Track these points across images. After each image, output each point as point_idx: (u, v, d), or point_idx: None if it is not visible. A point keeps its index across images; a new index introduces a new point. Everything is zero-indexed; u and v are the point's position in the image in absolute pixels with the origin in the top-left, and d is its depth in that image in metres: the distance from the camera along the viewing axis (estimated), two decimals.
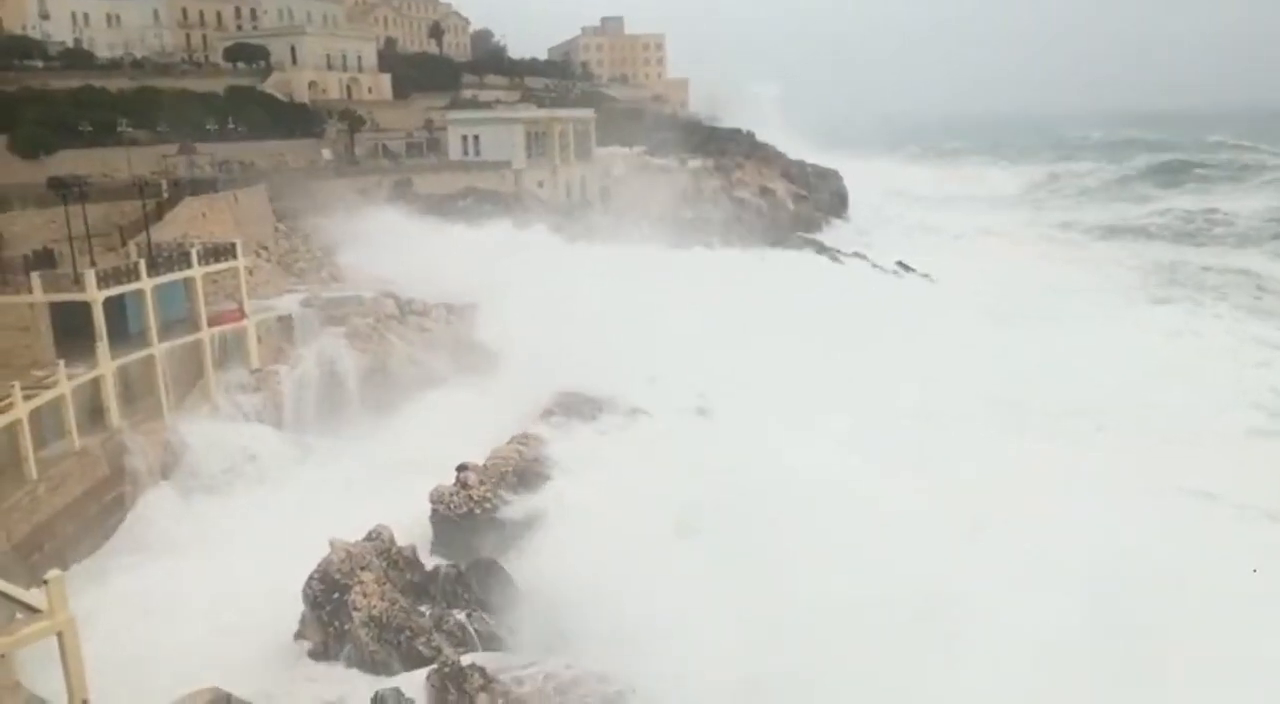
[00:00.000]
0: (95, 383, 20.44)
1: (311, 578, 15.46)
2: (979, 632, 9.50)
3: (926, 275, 25.87)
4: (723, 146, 45.55)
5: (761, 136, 48.73)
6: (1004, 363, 17.24)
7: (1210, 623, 9.21)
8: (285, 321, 25.98)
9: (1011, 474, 12.08)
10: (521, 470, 19.26)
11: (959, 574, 9.37)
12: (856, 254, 34.52)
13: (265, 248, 31.25)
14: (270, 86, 51.85)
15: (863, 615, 10.45)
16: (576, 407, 22.53)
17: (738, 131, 45.00)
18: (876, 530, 11.62)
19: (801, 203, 42.99)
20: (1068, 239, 28.01)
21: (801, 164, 43.81)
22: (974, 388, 16.89)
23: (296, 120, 47.98)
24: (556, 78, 69.49)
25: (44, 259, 23.68)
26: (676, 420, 19.88)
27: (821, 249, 37.84)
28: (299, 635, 15.34)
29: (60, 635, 10.13)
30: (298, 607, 14.95)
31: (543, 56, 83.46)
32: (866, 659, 8.76)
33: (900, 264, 32.32)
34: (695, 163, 49.12)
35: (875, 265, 31.88)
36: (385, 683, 13.41)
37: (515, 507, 17.59)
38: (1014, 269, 19.69)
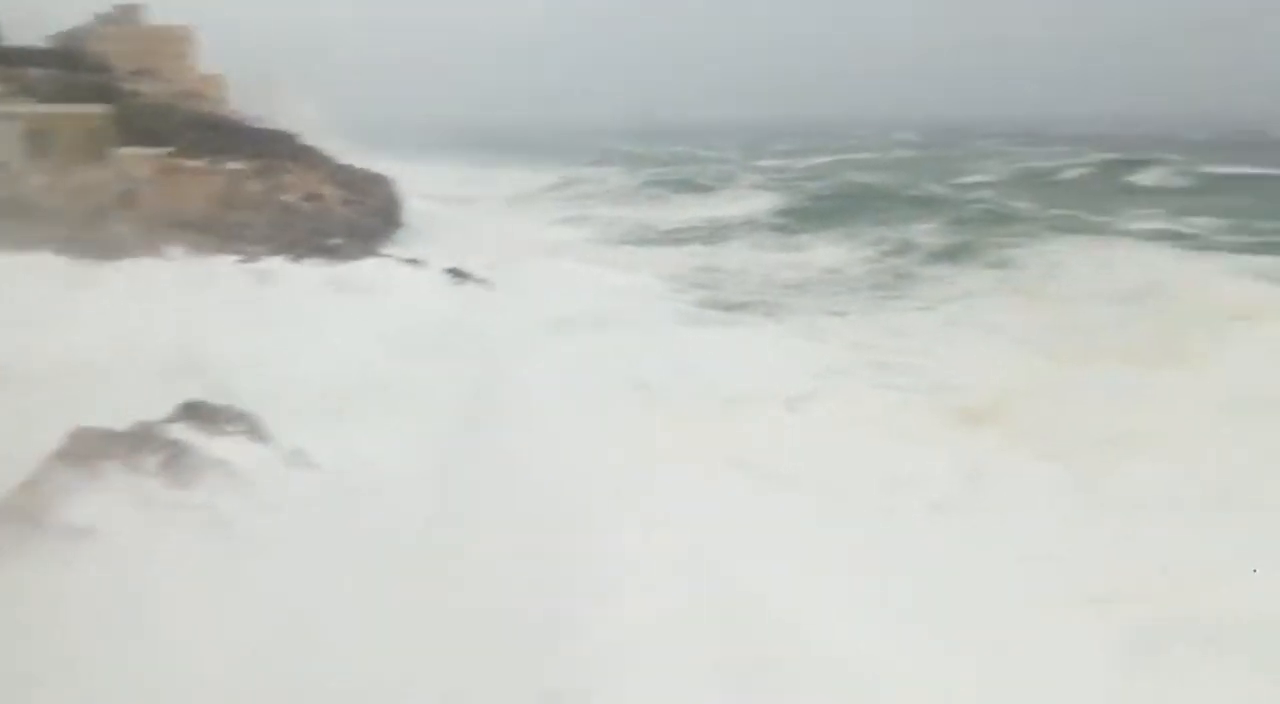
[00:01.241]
0: None
1: None
2: None
3: (485, 281, 26.55)
4: (265, 148, 43.69)
5: (310, 139, 47.58)
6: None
7: None
8: None
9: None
10: None
11: None
12: (413, 261, 34.48)
13: None
14: None
15: None
16: None
17: (281, 133, 43.42)
18: None
19: (352, 208, 42.58)
20: (603, 243, 30.17)
21: (351, 168, 43.32)
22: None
23: None
24: (63, 68, 61.03)
25: None
26: None
27: (373, 255, 37.53)
28: None
29: None
30: None
31: (45, 44, 73.07)
32: None
33: (455, 271, 32.67)
34: (234, 165, 45.90)
35: (432, 270, 32.15)
36: None
37: None
38: (573, 274, 20.98)
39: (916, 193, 29.35)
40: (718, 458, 7.87)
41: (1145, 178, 35.42)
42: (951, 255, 18.21)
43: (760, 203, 30.02)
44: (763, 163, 54.87)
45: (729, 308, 15.66)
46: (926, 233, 21.45)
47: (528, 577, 5.77)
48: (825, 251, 21.10)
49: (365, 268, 19.45)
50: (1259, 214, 24.18)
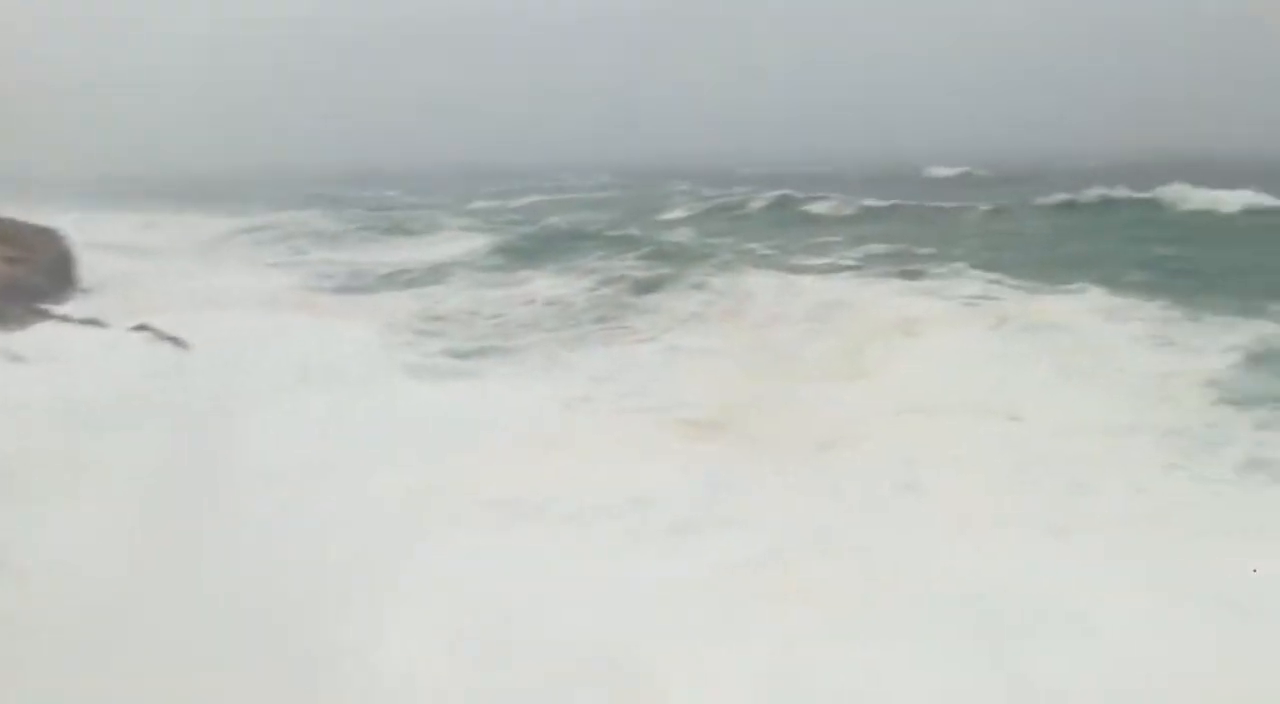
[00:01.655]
0: None
1: None
2: None
3: (179, 340, 23.28)
4: None
5: None
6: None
7: None
8: None
9: None
10: None
11: None
12: (92, 321, 30.15)
13: None
14: None
15: None
16: None
17: None
18: None
19: (18, 266, 37.46)
20: (314, 290, 28.49)
21: (13, 221, 38.00)
22: None
23: None
24: None
25: None
26: None
27: (44, 318, 33.39)
28: None
29: None
30: None
31: None
32: None
33: (143, 329, 29.35)
34: None
35: (115, 331, 28.17)
36: None
37: None
38: (285, 327, 19.01)
39: (620, 232, 30.72)
40: (468, 504, 7.84)
41: (819, 208, 39.26)
42: (659, 286, 19.20)
43: (476, 243, 30.08)
44: (474, 205, 55.04)
45: (462, 354, 15.47)
46: (635, 267, 22.50)
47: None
48: (546, 284, 21.58)
49: (35, 333, 17.16)
50: (917, 240, 27.47)
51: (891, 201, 39.54)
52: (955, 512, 7.52)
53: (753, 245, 28.04)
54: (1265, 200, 30.18)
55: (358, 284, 24.88)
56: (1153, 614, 5.80)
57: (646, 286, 19.35)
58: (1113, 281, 16.76)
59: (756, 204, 43.27)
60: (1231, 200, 29.85)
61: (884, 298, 17.25)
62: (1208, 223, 27.49)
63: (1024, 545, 6.93)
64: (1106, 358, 12.33)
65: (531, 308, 19.39)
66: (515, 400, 11.62)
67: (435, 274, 24.95)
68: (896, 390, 11.17)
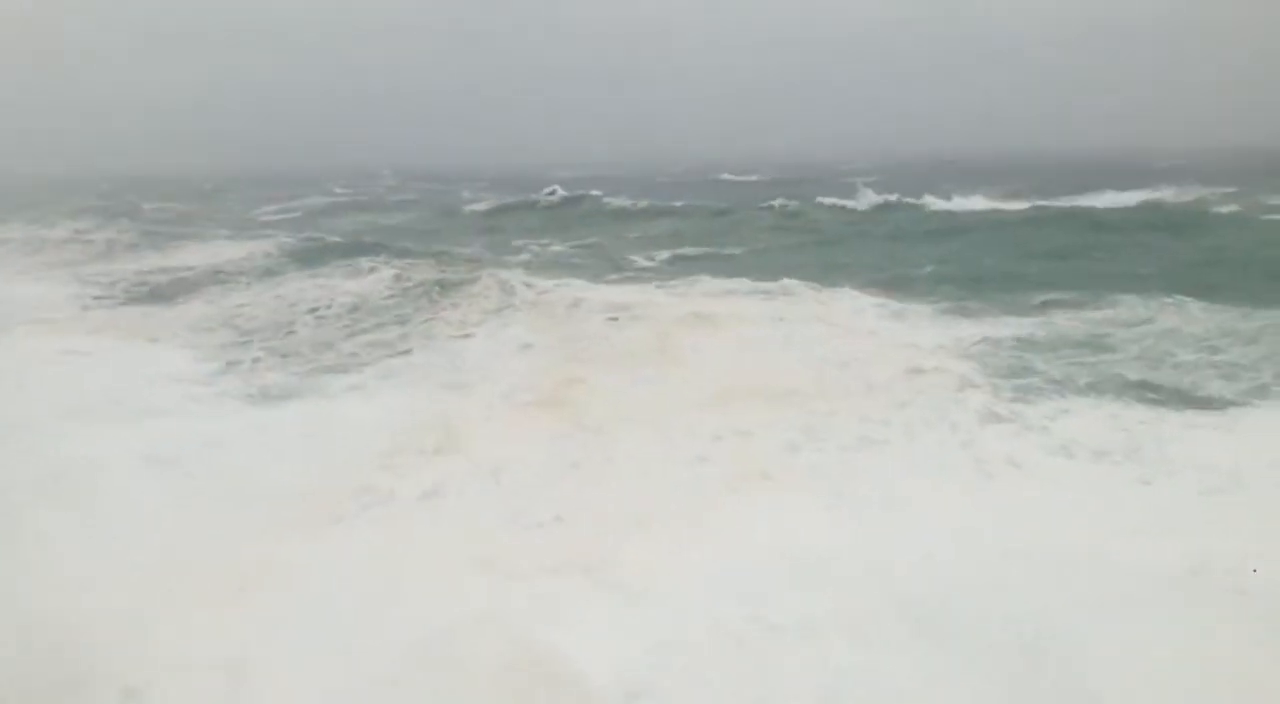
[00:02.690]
0: None
1: None
2: None
3: None
4: None
5: None
6: None
7: None
8: None
9: None
10: None
11: None
12: None
13: None
14: None
15: None
16: None
17: None
18: None
19: None
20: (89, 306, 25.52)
21: None
22: None
23: None
24: None
25: None
26: None
27: None
28: None
29: None
30: None
31: None
32: None
33: None
34: None
35: None
36: None
37: None
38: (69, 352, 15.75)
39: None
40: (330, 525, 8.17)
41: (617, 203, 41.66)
42: (457, 287, 19.49)
43: (256, 246, 29.20)
44: (260, 211, 53.02)
45: (284, 369, 14.74)
46: (381, 267, 22.85)
47: None
48: (353, 285, 21.43)
49: None
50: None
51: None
52: (733, 475, 8.80)
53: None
54: (994, 204, 36.12)
55: (143, 294, 23.42)
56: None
57: (447, 288, 19.69)
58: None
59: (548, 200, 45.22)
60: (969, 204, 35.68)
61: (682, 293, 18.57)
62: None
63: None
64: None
65: (334, 309, 19.17)
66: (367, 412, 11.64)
67: (219, 278, 24.00)
68: (698, 374, 12.24)
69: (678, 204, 41.99)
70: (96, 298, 22.87)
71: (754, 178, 77.31)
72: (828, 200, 39.54)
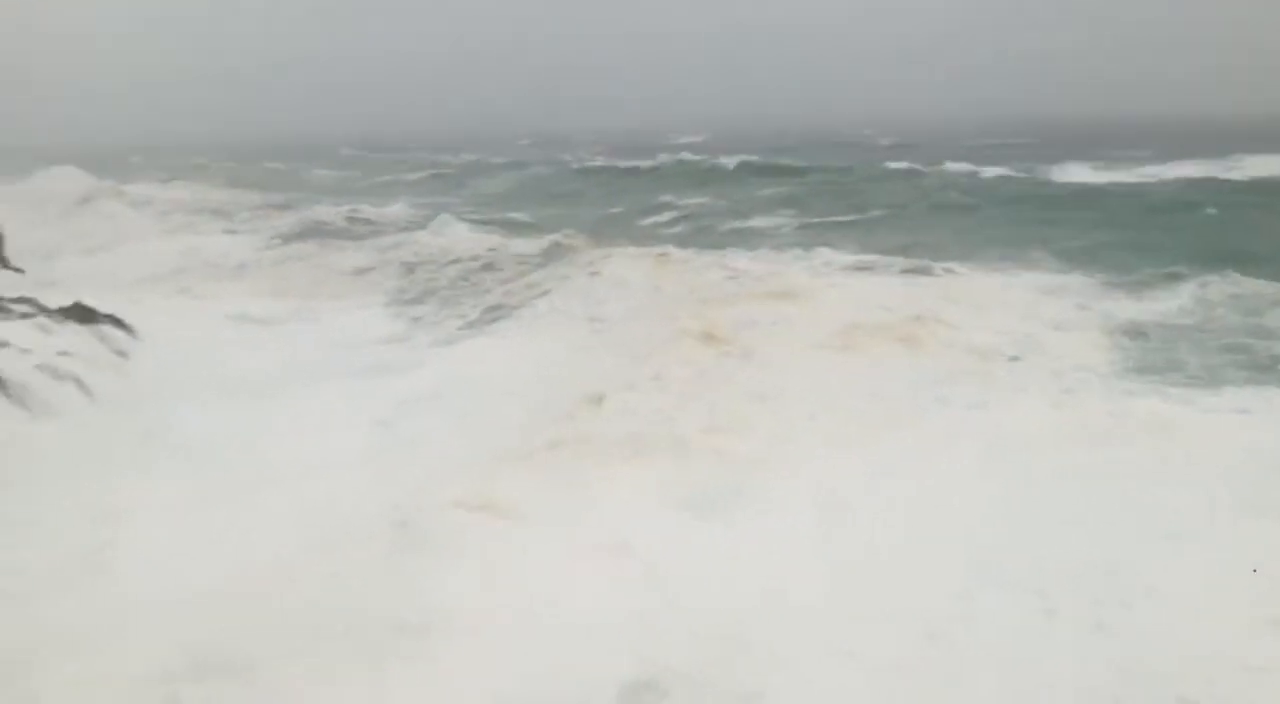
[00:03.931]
0: None
1: None
2: None
3: (119, 322, 18.90)
4: None
5: None
6: None
7: None
8: None
9: None
10: None
11: None
12: (23, 300, 25.35)
13: None
14: None
15: None
16: None
17: None
18: None
19: None
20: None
21: None
22: None
23: None
24: None
25: None
26: None
27: None
28: None
29: None
30: None
31: None
32: None
33: (80, 308, 24.32)
34: None
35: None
36: None
37: None
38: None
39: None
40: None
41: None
42: (576, 251, 19.72)
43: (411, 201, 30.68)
44: (400, 175, 55.68)
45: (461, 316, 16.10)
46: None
47: None
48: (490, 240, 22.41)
49: None
50: None
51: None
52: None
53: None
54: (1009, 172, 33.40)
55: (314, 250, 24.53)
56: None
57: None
58: None
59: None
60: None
61: None
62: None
63: None
64: None
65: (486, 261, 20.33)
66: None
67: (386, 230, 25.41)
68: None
69: (801, 164, 41.46)
70: (268, 249, 24.47)
71: (888, 141, 76.03)
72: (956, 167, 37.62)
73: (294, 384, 12.36)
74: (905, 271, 17.02)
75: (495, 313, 16.17)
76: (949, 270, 16.84)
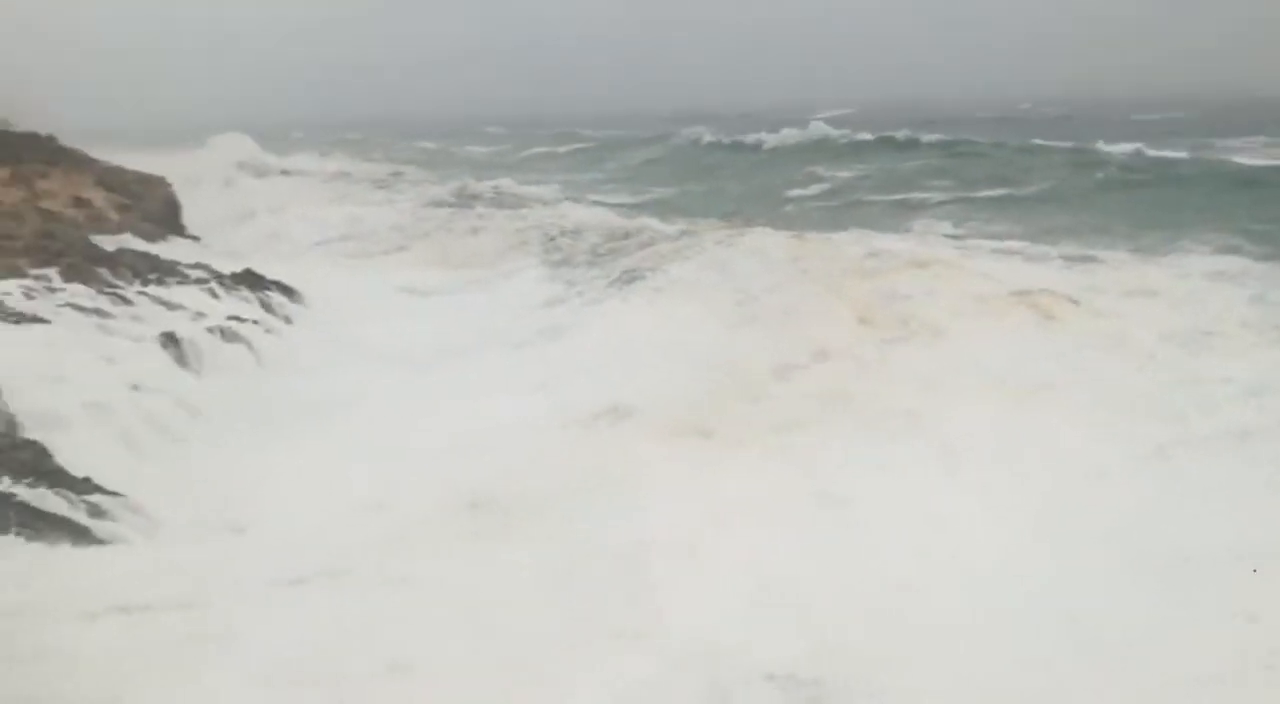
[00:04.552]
0: None
1: None
2: None
3: (286, 288, 19.57)
4: (17, 153, 39.31)
5: (70, 141, 42.99)
6: None
7: None
8: None
9: None
10: None
11: None
12: (198, 266, 26.76)
13: None
14: None
15: None
16: None
17: (36, 136, 39.22)
18: None
19: (126, 213, 39.16)
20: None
21: (121, 170, 39.79)
22: None
23: None
24: None
25: None
26: None
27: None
28: None
29: None
30: None
31: None
32: None
33: (250, 274, 24.59)
34: None
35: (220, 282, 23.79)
36: None
37: None
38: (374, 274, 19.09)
39: None
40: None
41: None
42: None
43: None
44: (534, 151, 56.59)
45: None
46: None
47: None
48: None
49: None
50: None
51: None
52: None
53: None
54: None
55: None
56: None
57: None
58: None
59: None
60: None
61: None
62: None
63: None
64: None
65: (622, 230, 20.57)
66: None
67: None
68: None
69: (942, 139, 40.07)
70: (427, 219, 25.33)
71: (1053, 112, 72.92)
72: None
73: (463, 352, 12.69)
74: (1066, 258, 16.09)
75: (635, 279, 15.94)
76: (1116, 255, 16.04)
